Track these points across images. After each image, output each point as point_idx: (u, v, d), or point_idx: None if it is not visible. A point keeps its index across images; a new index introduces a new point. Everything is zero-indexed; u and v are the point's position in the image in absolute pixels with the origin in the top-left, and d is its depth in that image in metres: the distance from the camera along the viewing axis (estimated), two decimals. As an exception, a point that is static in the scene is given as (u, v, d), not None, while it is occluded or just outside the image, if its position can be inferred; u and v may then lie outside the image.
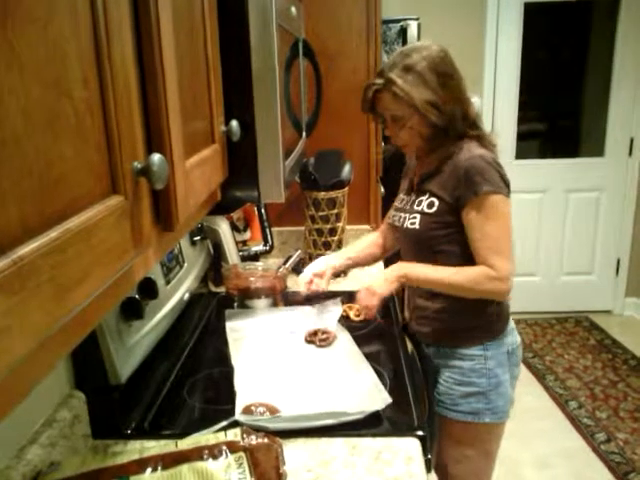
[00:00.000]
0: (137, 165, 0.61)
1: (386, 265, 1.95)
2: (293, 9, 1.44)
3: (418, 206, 1.43)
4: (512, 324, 1.51)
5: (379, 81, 1.36)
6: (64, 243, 0.45)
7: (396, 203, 1.57)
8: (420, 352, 1.52)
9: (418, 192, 1.45)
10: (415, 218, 1.42)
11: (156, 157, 0.60)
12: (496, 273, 1.32)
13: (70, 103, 0.48)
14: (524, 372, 3.32)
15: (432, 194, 1.40)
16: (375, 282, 1.42)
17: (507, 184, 1.36)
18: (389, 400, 1.15)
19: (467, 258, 1.37)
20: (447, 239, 1.39)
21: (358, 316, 1.68)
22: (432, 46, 1.36)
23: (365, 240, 1.78)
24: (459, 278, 1.36)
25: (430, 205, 1.40)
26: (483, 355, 1.43)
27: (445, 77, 1.33)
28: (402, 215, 1.48)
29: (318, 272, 1.60)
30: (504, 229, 1.35)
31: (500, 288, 1.34)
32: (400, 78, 1.32)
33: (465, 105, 1.38)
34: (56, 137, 0.46)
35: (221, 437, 0.98)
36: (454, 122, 1.35)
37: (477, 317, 1.44)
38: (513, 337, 1.50)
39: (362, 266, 1.81)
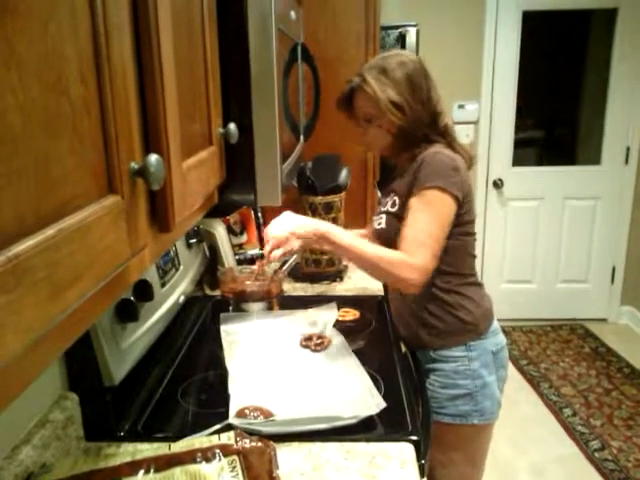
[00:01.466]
0: (134, 165, 0.61)
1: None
2: (292, 13, 1.44)
3: (384, 207, 1.49)
4: (496, 325, 1.51)
5: (356, 79, 1.44)
6: (60, 242, 0.45)
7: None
8: (414, 356, 1.52)
9: (387, 194, 1.51)
10: (382, 218, 1.48)
11: (153, 158, 0.60)
12: (413, 262, 1.29)
13: (68, 102, 0.48)
14: (519, 379, 3.33)
15: (395, 193, 1.45)
16: (291, 221, 1.37)
17: (457, 187, 1.35)
18: (383, 405, 1.15)
19: None
20: None
21: (344, 317, 1.69)
22: (410, 55, 1.46)
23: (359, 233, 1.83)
24: (376, 255, 1.32)
25: (393, 204, 1.45)
26: (467, 356, 1.44)
27: (415, 85, 1.40)
28: (375, 218, 1.54)
29: (281, 238, 1.42)
30: (435, 224, 1.32)
31: (411, 278, 1.29)
32: (373, 78, 1.39)
33: (434, 113, 1.43)
34: (53, 136, 0.46)
35: (214, 440, 0.97)
36: (418, 126, 1.40)
37: (456, 319, 1.44)
38: (497, 338, 1.50)
39: None
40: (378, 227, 1.49)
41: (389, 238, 1.45)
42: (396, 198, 1.44)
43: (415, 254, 1.29)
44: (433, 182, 1.33)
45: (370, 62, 1.46)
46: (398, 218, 1.42)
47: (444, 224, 1.34)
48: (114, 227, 0.57)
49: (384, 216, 1.47)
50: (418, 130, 1.41)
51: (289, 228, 1.38)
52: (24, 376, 0.44)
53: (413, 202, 1.35)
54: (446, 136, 1.44)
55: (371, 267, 1.37)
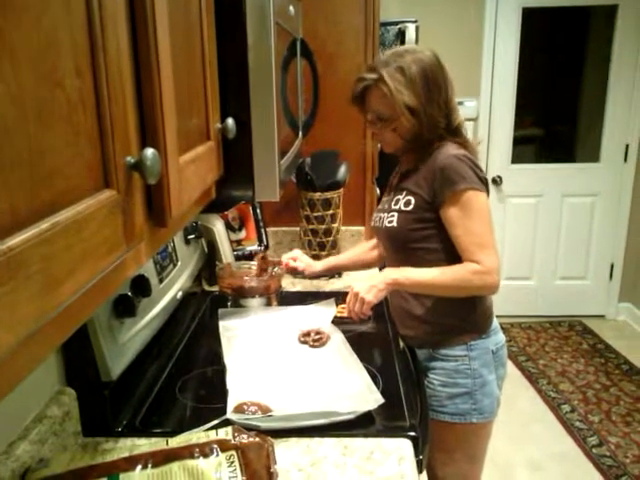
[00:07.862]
0: (130, 159, 0.60)
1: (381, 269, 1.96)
2: (291, 8, 1.44)
3: (395, 205, 1.45)
4: (496, 323, 1.51)
5: (371, 76, 1.37)
6: (54, 235, 0.45)
7: (378, 206, 1.58)
8: (413, 353, 1.51)
9: (396, 191, 1.48)
10: (393, 217, 1.45)
11: (149, 152, 0.60)
12: (483, 267, 1.32)
13: (63, 94, 0.48)
14: (517, 375, 3.33)
15: (409, 192, 1.42)
16: (363, 288, 1.39)
17: (483, 181, 1.37)
18: (381, 400, 1.15)
19: (447, 254, 1.39)
20: (425, 236, 1.40)
21: (342, 313, 1.68)
22: (425, 51, 1.39)
23: (357, 247, 1.87)
24: (447, 278, 1.36)
25: (407, 203, 1.42)
26: (467, 355, 1.43)
27: (432, 85, 1.35)
28: (381, 215, 1.51)
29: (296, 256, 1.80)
30: (484, 223, 1.35)
31: (489, 282, 1.33)
32: (391, 77, 1.33)
33: (449, 113, 1.40)
34: (48, 128, 0.45)
35: (212, 435, 0.97)
36: (431, 129, 1.37)
37: (457, 318, 1.44)
38: (497, 336, 1.49)
39: (348, 270, 1.93)
40: (388, 225, 1.45)
41: (399, 236, 1.44)
42: (410, 197, 1.41)
43: (483, 259, 1.32)
44: (463, 185, 1.32)
45: (384, 57, 1.38)
46: (412, 218, 1.40)
47: (489, 219, 1.36)
48: (109, 221, 0.56)
49: (396, 214, 1.44)
50: (433, 134, 1.38)
51: (372, 283, 1.39)
52: (18, 371, 0.44)
53: (452, 211, 1.34)
54: (458, 134, 1.42)
55: (451, 291, 1.39)
